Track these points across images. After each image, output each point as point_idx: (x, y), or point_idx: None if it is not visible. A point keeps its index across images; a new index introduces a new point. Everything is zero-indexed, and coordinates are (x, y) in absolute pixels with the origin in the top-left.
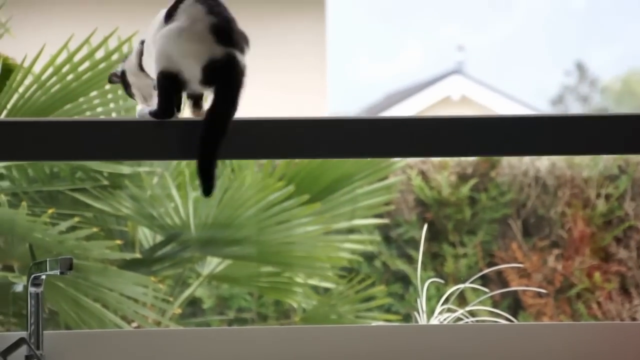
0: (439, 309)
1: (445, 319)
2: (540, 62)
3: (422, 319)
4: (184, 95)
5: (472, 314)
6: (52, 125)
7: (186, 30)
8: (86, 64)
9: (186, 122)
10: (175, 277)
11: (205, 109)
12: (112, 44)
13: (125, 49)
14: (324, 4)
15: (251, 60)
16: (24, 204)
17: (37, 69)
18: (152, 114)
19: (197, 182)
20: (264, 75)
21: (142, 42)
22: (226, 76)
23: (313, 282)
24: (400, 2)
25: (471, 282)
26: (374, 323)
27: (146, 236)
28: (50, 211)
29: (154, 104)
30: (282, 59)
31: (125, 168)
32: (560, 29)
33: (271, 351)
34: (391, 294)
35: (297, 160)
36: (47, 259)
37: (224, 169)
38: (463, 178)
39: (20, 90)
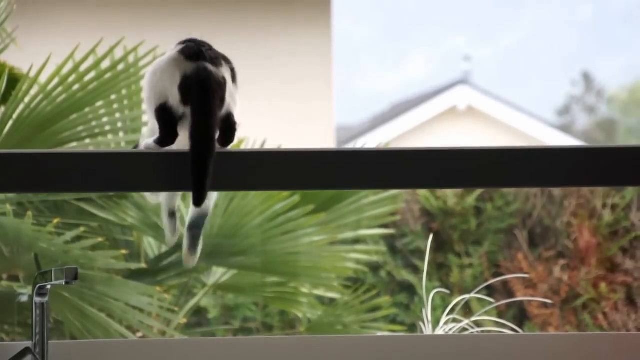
0: (444, 319)
1: (450, 329)
2: (547, 72)
3: (428, 329)
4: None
5: (477, 324)
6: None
7: (162, 62)
8: (92, 74)
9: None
10: (180, 286)
11: None
12: (118, 53)
13: (131, 58)
14: (330, 14)
15: (258, 71)
16: (29, 213)
17: (43, 79)
18: (155, 141)
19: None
20: (271, 85)
21: None
22: (199, 86)
23: (318, 292)
24: (405, 13)
25: (477, 293)
26: (379, 333)
27: (151, 246)
28: (55, 221)
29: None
30: (289, 69)
31: None
32: (566, 39)
33: None
34: (396, 304)
35: None
36: (53, 269)
37: None
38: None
39: (26, 100)
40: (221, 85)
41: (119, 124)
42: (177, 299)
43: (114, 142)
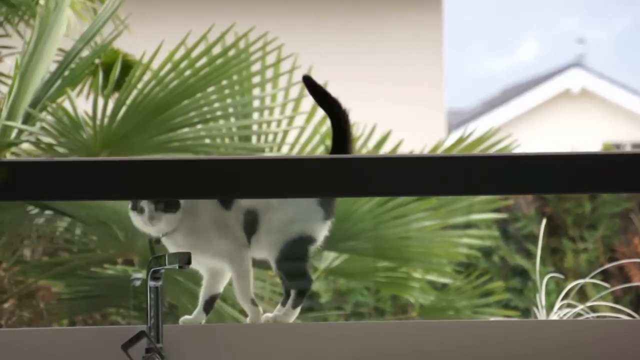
0: (558, 304)
1: (565, 315)
2: None
3: (542, 315)
4: None
5: (592, 309)
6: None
7: None
8: (204, 60)
9: None
10: None
11: None
12: (229, 39)
13: (242, 44)
14: None
15: (369, 55)
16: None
17: (155, 65)
18: None
19: None
20: (382, 70)
21: None
22: None
23: (430, 277)
24: None
25: (591, 277)
26: (492, 318)
27: None
28: None
29: None
30: (400, 54)
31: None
32: None
33: (389, 346)
34: (510, 289)
35: None
36: (166, 254)
37: None
38: None
39: (139, 86)
40: None
41: (230, 109)
42: None
43: (225, 128)
